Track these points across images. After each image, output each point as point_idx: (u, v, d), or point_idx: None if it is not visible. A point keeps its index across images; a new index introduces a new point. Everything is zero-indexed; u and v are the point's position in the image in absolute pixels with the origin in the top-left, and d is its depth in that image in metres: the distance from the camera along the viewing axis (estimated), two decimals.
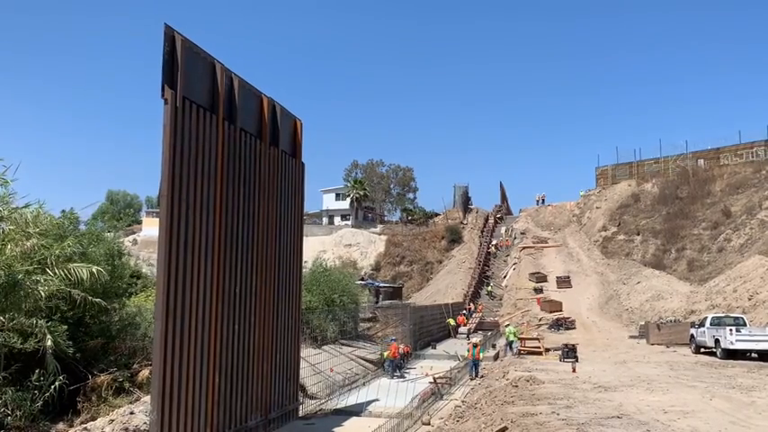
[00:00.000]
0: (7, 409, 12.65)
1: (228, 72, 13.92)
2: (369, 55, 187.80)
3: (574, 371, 21.83)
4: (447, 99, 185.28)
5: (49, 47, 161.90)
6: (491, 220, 75.50)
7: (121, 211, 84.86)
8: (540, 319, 44.64)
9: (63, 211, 18.62)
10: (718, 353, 26.63)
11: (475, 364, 25.44)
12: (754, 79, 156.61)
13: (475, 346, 26.28)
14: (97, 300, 15.04)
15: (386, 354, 28.20)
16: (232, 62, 13.99)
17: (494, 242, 68.58)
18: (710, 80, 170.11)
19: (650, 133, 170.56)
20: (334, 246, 69.22)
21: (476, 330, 44.01)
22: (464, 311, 47.32)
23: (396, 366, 26.41)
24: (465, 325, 44.29)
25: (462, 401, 19.39)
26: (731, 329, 26.04)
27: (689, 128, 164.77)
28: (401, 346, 27.73)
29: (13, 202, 14.03)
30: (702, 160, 61.41)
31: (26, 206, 14.31)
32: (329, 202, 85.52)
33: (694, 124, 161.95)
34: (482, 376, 24.31)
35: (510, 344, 30.61)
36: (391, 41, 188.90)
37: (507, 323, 34.35)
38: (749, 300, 34.25)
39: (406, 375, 26.33)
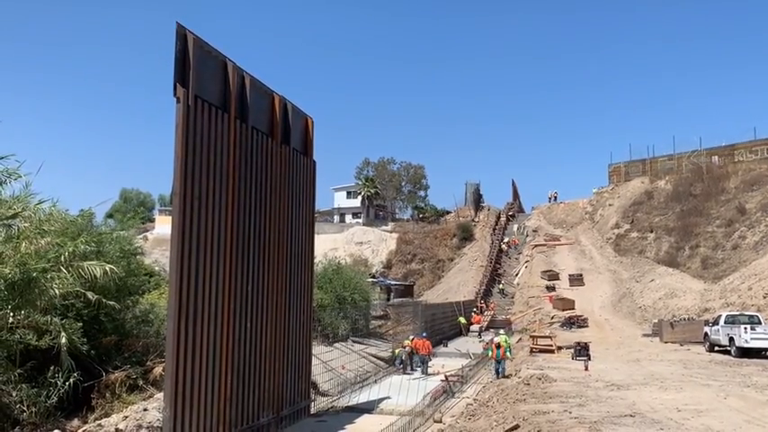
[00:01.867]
0: (22, 405, 12.81)
1: (240, 71, 13.98)
2: (380, 52, 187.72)
3: (586, 369, 21.73)
4: (459, 96, 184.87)
5: (53, 42, 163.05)
6: (503, 218, 75.22)
7: (134, 209, 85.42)
8: (552, 317, 44.45)
9: (81, 210, 18.73)
10: (732, 351, 26.42)
11: (498, 363, 24.80)
12: None
13: (498, 346, 25.49)
14: (111, 302, 15.17)
15: (397, 351, 28.16)
16: (241, 57, 14.06)
17: (506, 240, 68.40)
18: (724, 76, 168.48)
19: (663, 130, 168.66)
20: (345, 243, 69.31)
21: (487, 328, 43.94)
22: (475, 309, 47.20)
23: (423, 363, 26.36)
24: (479, 323, 44.22)
25: (474, 399, 19.37)
26: (746, 327, 25.82)
27: (702, 124, 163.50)
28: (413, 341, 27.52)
29: (29, 201, 14.17)
30: (716, 157, 60.76)
31: (40, 203, 14.45)
32: (340, 200, 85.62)
33: (708, 121, 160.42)
34: (505, 376, 23.12)
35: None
36: (402, 39, 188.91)
37: (502, 332, 33.89)
38: (764, 297, 33.88)
39: (415, 372, 26.31)
